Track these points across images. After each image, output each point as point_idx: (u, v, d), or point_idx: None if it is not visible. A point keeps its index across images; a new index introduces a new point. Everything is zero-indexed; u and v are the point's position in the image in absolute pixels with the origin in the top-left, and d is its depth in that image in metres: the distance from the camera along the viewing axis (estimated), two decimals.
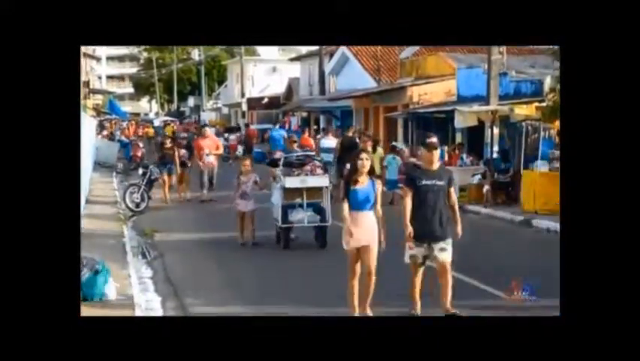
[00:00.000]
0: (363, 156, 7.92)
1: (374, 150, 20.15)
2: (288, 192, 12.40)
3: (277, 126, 36.85)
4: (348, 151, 20.09)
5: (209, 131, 21.33)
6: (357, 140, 21.39)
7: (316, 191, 12.55)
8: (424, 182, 7.73)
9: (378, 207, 7.83)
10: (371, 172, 7.95)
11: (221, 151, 21.00)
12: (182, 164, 19.59)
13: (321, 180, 12.61)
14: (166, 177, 19.09)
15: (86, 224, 14.23)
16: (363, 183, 7.77)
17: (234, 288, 9.84)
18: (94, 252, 10.65)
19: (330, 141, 24.15)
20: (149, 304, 9.07)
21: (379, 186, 7.91)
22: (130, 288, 9.50)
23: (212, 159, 19.43)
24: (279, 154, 14.41)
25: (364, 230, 7.69)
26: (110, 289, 8.91)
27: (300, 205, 12.39)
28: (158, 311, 8.83)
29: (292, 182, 12.39)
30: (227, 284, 10.10)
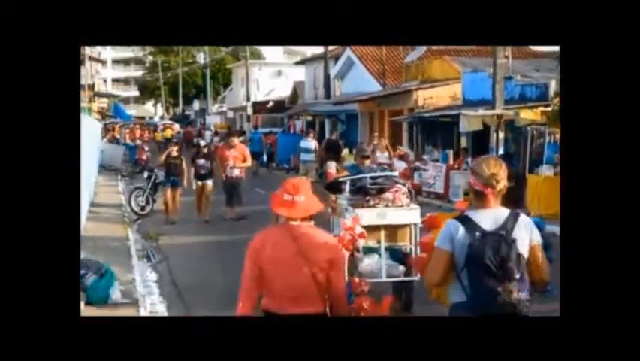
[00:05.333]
0: None
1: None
2: None
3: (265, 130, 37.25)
4: (330, 153, 20.38)
5: (236, 140, 17.28)
6: (340, 143, 21.81)
7: (400, 230, 8.52)
8: None
9: None
10: None
11: (249, 163, 17.21)
12: (202, 176, 16.52)
13: (409, 215, 8.53)
14: (169, 192, 16.50)
15: (90, 227, 14.27)
16: None
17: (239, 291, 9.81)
18: (99, 255, 10.70)
19: (309, 143, 24.50)
20: (153, 307, 9.09)
21: None
22: (135, 291, 9.52)
23: (237, 173, 16.42)
24: (344, 174, 10.14)
25: None
26: (115, 293, 8.94)
27: (375, 250, 8.37)
28: (162, 314, 8.84)
29: (366, 217, 8.11)
30: (232, 287, 10.08)
